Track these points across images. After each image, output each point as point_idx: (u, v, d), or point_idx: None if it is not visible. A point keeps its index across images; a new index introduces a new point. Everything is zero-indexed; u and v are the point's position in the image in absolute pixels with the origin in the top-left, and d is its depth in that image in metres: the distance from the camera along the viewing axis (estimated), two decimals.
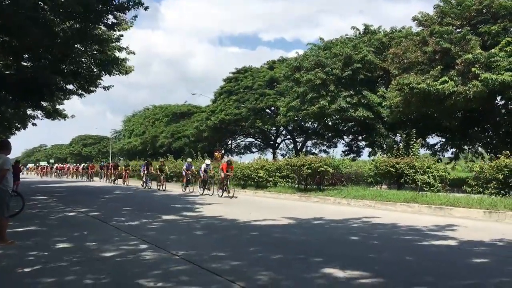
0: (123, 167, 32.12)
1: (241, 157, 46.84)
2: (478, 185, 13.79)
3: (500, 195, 12.62)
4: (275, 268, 5.34)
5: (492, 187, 13.08)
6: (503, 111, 22.20)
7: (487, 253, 6.44)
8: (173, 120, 53.56)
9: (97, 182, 35.91)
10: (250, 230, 8.79)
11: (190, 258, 5.91)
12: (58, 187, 26.97)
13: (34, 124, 28.59)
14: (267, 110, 39.10)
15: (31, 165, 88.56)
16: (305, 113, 27.72)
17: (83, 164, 49.84)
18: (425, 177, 15.25)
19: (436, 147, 26.97)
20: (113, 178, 33.74)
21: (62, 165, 59.41)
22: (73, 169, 51.26)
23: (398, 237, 7.86)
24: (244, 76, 40.36)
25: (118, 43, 18.58)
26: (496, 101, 21.48)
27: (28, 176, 61.63)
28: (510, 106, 22.13)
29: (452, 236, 7.69)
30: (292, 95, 29.54)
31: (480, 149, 26.21)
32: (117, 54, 18.79)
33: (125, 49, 18.76)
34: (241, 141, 48.94)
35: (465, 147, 26.89)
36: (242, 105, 38.11)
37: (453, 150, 26.71)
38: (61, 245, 7.00)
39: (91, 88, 20.73)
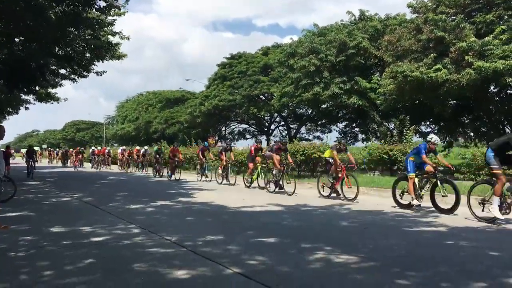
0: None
1: (235, 143, 46.89)
2: (470, 172, 13.92)
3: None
4: (269, 253, 5.38)
5: (484, 174, 13.20)
6: (496, 98, 22.28)
7: (478, 238, 6.51)
8: (166, 106, 53.39)
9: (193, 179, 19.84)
10: (241, 215, 8.85)
11: (183, 243, 5.94)
12: (51, 173, 26.92)
13: (26, 108, 28.46)
14: (261, 97, 39.02)
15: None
16: (299, 100, 27.72)
17: (145, 148, 28.52)
18: None
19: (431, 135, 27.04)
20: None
21: (98, 149, 37.98)
22: (122, 154, 31.32)
23: (388, 223, 7.93)
24: (238, 61, 40.22)
25: (111, 28, 18.33)
26: (489, 89, 21.54)
27: (42, 164, 41.88)
28: (503, 94, 22.22)
29: (443, 223, 7.77)
30: (286, 81, 29.49)
31: (473, 134, 26.31)
32: (110, 38, 18.56)
33: (118, 33, 18.53)
34: (235, 128, 48.97)
35: (459, 137, 27.05)
36: (236, 91, 37.99)
37: (447, 138, 26.83)
38: (54, 230, 7.02)
39: (84, 73, 20.54)
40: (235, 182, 17.04)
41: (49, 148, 64.93)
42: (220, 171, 17.73)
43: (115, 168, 32.72)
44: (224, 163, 17.28)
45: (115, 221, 7.84)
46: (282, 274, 4.51)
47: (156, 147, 24.40)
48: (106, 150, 35.36)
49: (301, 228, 7.42)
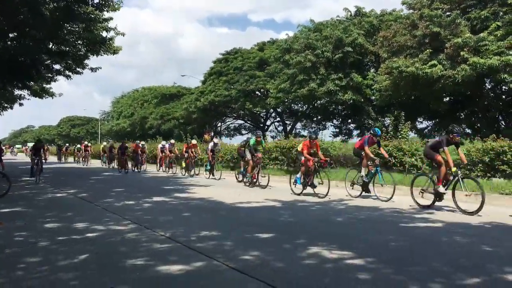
0: None
1: (230, 139, 46.89)
2: (464, 168, 13.95)
3: (486, 178, 12.79)
4: (263, 248, 5.38)
5: (479, 169, 13.25)
6: (491, 94, 22.38)
7: (473, 234, 6.53)
8: (162, 101, 53.24)
9: None
10: (238, 211, 8.85)
11: (178, 238, 5.94)
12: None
13: (21, 104, 28.28)
14: (257, 92, 39.01)
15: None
16: (294, 96, 27.73)
17: (214, 141, 20.24)
18: (413, 159, 15.36)
19: (426, 131, 27.18)
20: None
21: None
22: (169, 151, 23.24)
23: (384, 219, 7.94)
24: (234, 57, 40.17)
25: (107, 24, 18.23)
26: (485, 85, 21.63)
27: (52, 160, 38.19)
28: (498, 90, 22.32)
29: (439, 219, 7.79)
30: (282, 77, 29.50)
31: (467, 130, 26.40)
32: (104, 34, 18.47)
33: (113, 29, 18.44)
34: (231, 123, 48.96)
35: (455, 130, 27.12)
36: (232, 86, 37.99)
37: (442, 133, 26.93)
38: (49, 226, 7.00)
39: (78, 69, 20.41)
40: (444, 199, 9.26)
41: (60, 143, 54.49)
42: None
43: (152, 169, 25.39)
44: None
45: (110, 217, 7.81)
46: (277, 270, 4.51)
47: (252, 139, 15.07)
48: (141, 145, 25.64)
49: (297, 224, 7.42)
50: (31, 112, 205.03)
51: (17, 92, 25.82)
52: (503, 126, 22.48)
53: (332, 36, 25.90)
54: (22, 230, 6.58)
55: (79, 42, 18.27)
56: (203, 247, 5.43)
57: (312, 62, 25.66)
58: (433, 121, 26.55)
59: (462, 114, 24.76)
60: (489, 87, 22.24)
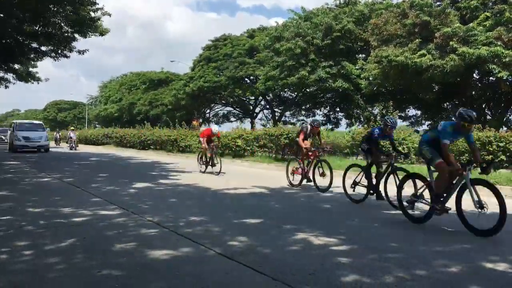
0: None
1: (219, 126, 46.69)
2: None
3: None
4: (250, 234, 5.40)
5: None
6: (479, 85, 22.53)
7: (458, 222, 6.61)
8: (150, 87, 52.80)
9: None
10: (225, 197, 8.86)
11: (165, 224, 5.93)
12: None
13: (6, 86, 27.77)
14: (246, 79, 38.84)
15: None
16: (284, 83, 27.65)
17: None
18: (400, 148, 15.47)
19: (412, 119, 27.32)
20: None
21: None
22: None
23: (370, 206, 8.00)
24: (223, 44, 39.88)
25: (93, 7, 17.96)
26: (473, 76, 21.75)
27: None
28: (485, 81, 22.46)
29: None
30: (272, 64, 29.37)
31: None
32: (92, 14, 18.20)
33: (100, 9, 18.18)
34: (219, 110, 48.75)
35: (440, 121, 27.29)
36: (222, 73, 37.77)
37: (429, 122, 27.09)
38: (35, 210, 6.94)
39: (66, 53, 20.07)
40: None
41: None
42: None
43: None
44: None
45: (96, 202, 7.77)
46: (264, 255, 4.53)
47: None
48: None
49: (284, 210, 7.45)
50: (17, 96, 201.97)
51: (2, 74, 25.38)
52: (489, 116, 22.72)
53: (322, 23, 25.81)
54: (7, 214, 6.51)
55: (65, 22, 17.98)
56: (191, 233, 5.43)
57: (302, 49, 25.58)
58: (421, 111, 26.68)
59: (449, 104, 24.90)
60: (477, 77, 22.37)
